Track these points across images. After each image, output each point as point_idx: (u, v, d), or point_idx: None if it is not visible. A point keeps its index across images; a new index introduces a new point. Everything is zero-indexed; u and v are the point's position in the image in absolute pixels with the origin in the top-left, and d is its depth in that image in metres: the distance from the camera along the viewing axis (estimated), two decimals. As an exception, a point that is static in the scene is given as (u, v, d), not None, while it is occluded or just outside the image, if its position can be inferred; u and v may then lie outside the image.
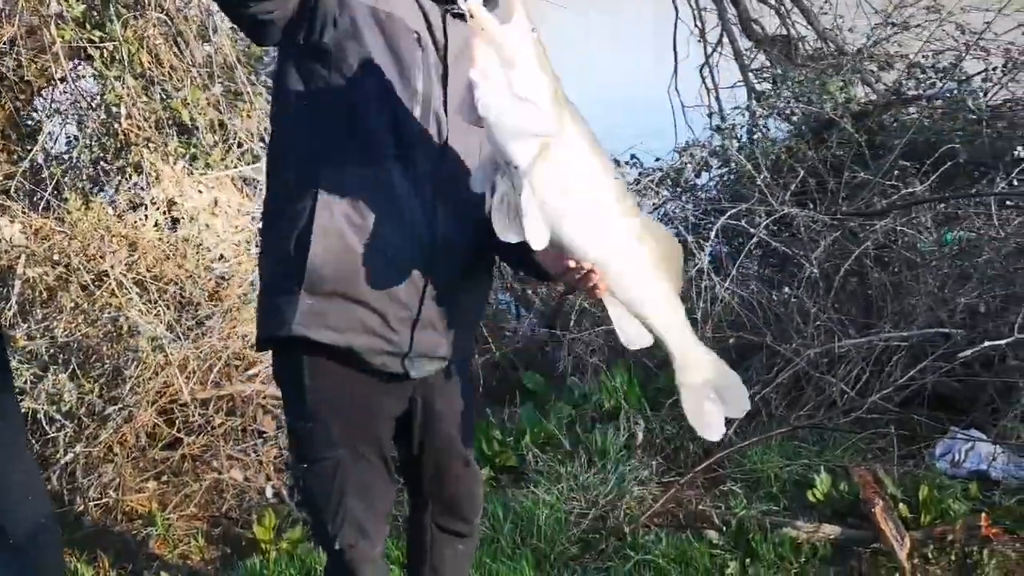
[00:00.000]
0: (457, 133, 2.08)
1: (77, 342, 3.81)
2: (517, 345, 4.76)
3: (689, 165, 5.02)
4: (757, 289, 4.32)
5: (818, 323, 4.12)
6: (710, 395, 2.09)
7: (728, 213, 4.30)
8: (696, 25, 7.50)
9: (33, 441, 3.68)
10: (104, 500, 3.66)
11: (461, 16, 2.05)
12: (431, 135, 2.06)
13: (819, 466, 3.62)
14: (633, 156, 5.65)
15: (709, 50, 7.46)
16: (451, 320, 2.18)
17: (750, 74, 7.04)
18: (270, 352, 2.27)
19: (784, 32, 7.21)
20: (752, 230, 4.23)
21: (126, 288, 3.77)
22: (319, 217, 2.02)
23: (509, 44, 1.74)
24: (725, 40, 7.33)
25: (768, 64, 7.06)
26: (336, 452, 2.17)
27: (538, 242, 1.84)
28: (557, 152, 1.81)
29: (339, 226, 2.01)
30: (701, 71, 7.55)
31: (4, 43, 4.87)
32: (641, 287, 2.02)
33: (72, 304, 3.83)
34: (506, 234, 1.86)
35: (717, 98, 7.31)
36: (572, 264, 1.96)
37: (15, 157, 5.08)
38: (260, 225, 2.29)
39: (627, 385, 4.16)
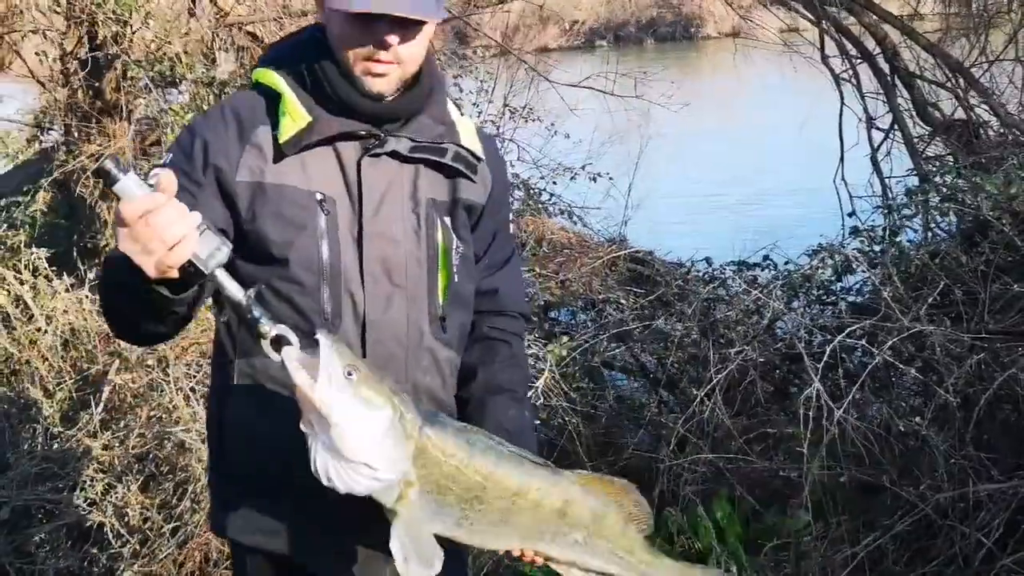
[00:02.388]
0: (377, 307, 1.81)
1: (150, 453, 3.78)
2: (624, 463, 4.37)
3: (821, 271, 4.54)
4: (880, 418, 3.78)
5: (953, 461, 3.56)
6: None
7: (845, 331, 3.81)
8: (865, 111, 6.97)
9: (99, 553, 3.66)
10: (161, 620, 3.57)
11: (387, 153, 1.83)
12: (345, 314, 1.80)
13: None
14: (766, 258, 5.20)
15: (879, 138, 6.91)
16: None
17: (922, 162, 6.46)
18: None
19: (964, 117, 6.58)
20: (874, 350, 3.73)
21: (192, 403, 3.72)
22: (228, 417, 1.85)
23: (320, 396, 1.51)
24: (897, 126, 6.77)
25: (946, 152, 6.46)
26: None
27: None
28: (416, 493, 1.61)
29: (252, 424, 1.81)
30: (872, 160, 7.01)
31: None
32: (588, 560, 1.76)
33: (149, 415, 3.82)
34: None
35: (886, 189, 6.75)
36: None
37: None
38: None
39: (726, 522, 3.72)
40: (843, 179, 7.12)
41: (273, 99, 1.80)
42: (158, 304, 1.57)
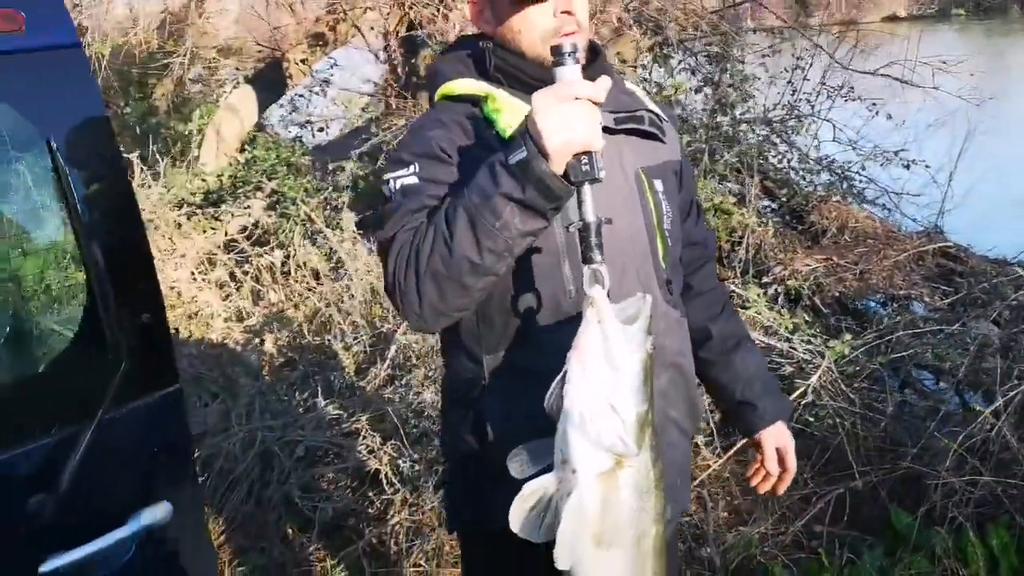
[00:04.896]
0: (615, 279, 1.78)
1: (425, 411, 4.06)
2: (901, 472, 4.12)
3: None
4: None
5: None
6: None
7: None
8: None
9: (374, 497, 4.00)
10: (421, 569, 3.84)
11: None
12: None
13: None
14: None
15: None
16: (668, 473, 1.88)
17: None
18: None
19: None
20: None
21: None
22: (490, 408, 1.91)
23: (622, 349, 1.55)
24: None
25: None
26: None
27: (564, 562, 1.58)
28: (623, 479, 1.58)
29: (512, 415, 1.87)
30: None
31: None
32: None
33: (426, 375, 4.10)
34: (523, 528, 1.63)
35: None
36: None
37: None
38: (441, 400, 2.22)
39: (1001, 551, 3.43)
40: None
41: (474, 104, 1.90)
42: (542, 206, 1.63)
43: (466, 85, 1.94)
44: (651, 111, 2.02)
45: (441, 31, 5.24)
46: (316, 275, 5.78)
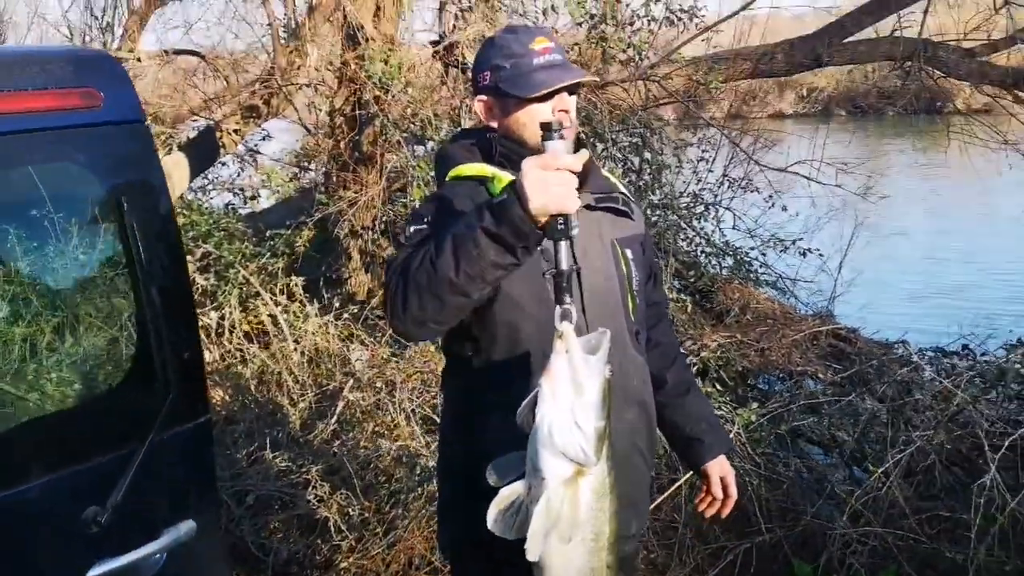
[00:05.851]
0: (596, 328, 2.10)
1: (371, 463, 4.34)
2: (800, 528, 4.58)
3: (1020, 366, 4.61)
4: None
5: None
6: None
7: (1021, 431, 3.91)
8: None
9: (321, 544, 4.24)
10: (367, 611, 4.09)
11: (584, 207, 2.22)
12: None
13: None
14: (965, 347, 5.27)
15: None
16: (634, 493, 2.33)
17: None
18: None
19: None
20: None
21: (413, 423, 4.26)
22: (491, 437, 2.18)
23: (585, 375, 1.87)
24: None
25: None
26: None
27: (533, 554, 1.90)
28: (583, 485, 1.90)
29: (509, 442, 2.08)
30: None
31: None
32: None
33: (373, 429, 4.39)
34: (500, 527, 1.94)
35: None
36: None
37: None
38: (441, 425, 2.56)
39: (891, 597, 3.89)
40: None
41: (480, 183, 2.30)
42: (513, 243, 1.94)
43: (475, 168, 2.35)
44: (623, 193, 2.45)
45: (385, 111, 5.63)
46: (248, 336, 6.00)
